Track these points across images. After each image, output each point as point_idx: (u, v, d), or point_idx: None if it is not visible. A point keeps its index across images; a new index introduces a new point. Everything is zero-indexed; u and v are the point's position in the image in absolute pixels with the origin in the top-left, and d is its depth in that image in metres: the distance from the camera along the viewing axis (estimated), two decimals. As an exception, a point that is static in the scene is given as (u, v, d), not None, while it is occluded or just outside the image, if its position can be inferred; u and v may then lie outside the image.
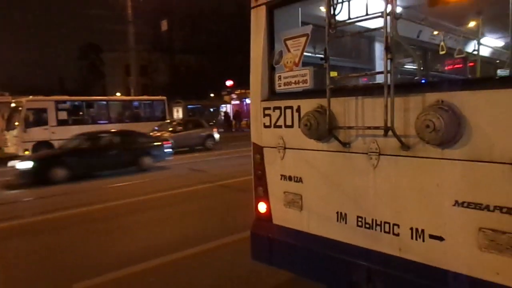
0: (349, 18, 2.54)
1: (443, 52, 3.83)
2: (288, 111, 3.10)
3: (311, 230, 3.02)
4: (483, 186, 2.11)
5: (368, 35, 4.57)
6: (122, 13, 28.10)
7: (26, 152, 16.01)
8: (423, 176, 2.35)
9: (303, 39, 2.98)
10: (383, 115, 2.33)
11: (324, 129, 2.72)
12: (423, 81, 3.33)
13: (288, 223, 3.20)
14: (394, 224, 2.52)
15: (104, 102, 19.80)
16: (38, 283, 4.68)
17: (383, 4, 2.27)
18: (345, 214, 2.80)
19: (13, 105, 17.57)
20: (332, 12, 2.55)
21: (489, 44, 5.07)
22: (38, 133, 16.88)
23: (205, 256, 5.14)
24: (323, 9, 3.30)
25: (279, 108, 3.18)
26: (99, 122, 18.71)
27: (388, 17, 2.26)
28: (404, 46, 2.52)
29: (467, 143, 2.15)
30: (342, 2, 2.55)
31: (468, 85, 2.30)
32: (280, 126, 3.18)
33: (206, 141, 18.87)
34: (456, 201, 2.21)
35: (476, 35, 4.64)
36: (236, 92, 38.97)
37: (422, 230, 2.38)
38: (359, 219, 2.71)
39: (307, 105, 2.92)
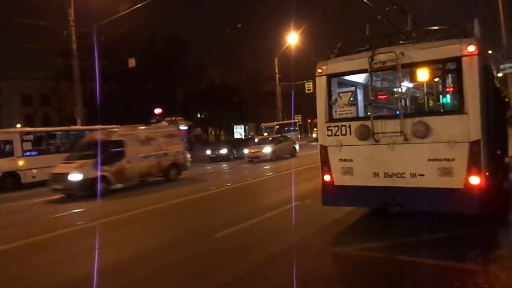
0: (382, 88, 5.99)
1: (397, 95, 7.49)
2: (343, 127, 6.39)
3: (359, 184, 6.30)
4: (439, 151, 5.62)
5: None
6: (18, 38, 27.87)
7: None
8: (414, 151, 5.82)
9: (349, 93, 6.37)
10: (398, 127, 5.75)
11: (368, 134, 6.06)
12: (397, 112, 6.86)
13: (345, 182, 6.43)
14: (402, 173, 5.92)
15: (65, 132, 20.87)
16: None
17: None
18: (377, 173, 6.13)
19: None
20: (371, 85, 5.99)
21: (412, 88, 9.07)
22: (4, 164, 17.41)
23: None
24: (349, 78, 6.77)
25: (337, 126, 6.45)
26: (61, 151, 19.60)
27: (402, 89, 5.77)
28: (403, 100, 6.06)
29: (432, 136, 5.66)
30: (376, 81, 6.02)
31: (430, 114, 5.93)
32: (338, 135, 6.44)
33: None
34: (429, 159, 5.69)
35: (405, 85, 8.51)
36: (166, 119, 40.60)
37: (415, 173, 5.82)
38: (385, 174, 6.07)
39: (354, 124, 6.25)
